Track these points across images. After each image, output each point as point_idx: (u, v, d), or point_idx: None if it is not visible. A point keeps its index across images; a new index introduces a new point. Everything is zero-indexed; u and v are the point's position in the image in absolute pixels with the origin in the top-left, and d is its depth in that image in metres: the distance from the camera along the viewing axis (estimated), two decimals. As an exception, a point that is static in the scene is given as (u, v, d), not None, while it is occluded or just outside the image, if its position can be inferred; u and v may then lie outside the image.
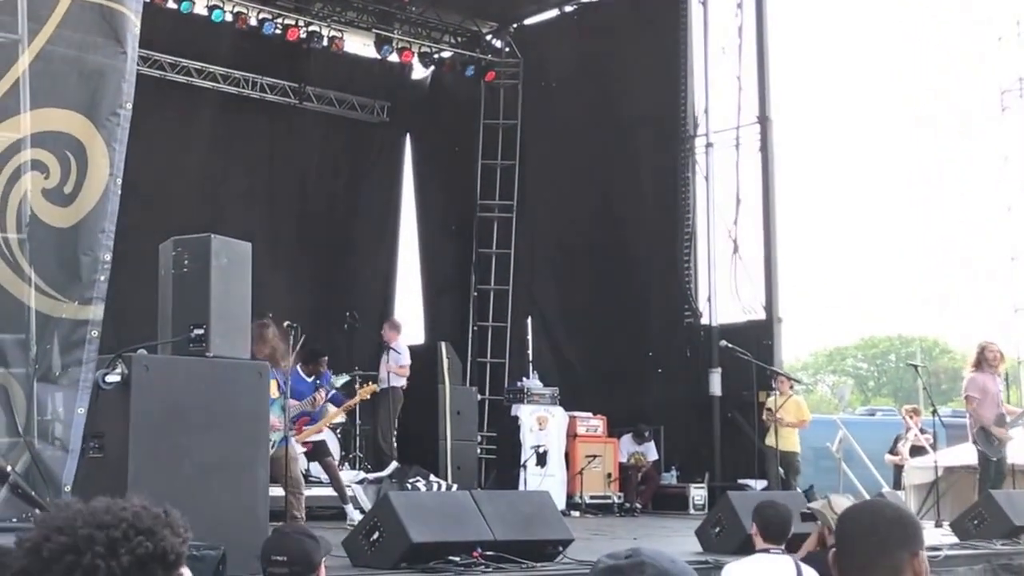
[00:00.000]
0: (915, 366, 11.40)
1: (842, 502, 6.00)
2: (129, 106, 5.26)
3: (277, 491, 8.18)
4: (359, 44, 16.08)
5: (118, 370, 5.74)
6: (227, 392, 6.37)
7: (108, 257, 5.17)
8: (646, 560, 1.85)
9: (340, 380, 10.13)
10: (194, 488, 5.91)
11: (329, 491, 11.22)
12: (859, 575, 2.41)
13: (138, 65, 13.52)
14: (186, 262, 6.51)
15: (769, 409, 11.95)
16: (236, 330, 6.65)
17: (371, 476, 12.06)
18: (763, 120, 13.98)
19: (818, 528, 6.05)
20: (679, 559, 1.88)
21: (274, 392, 7.87)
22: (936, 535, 9.26)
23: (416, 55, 15.75)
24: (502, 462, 13.68)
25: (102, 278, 5.18)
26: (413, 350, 14.44)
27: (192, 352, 6.36)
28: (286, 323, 8.97)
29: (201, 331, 6.38)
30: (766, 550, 5.51)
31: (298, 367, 9.77)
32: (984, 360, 10.61)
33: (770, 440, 12.03)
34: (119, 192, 5.23)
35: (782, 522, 5.61)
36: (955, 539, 9.13)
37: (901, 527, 2.46)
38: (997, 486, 10.27)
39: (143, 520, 1.45)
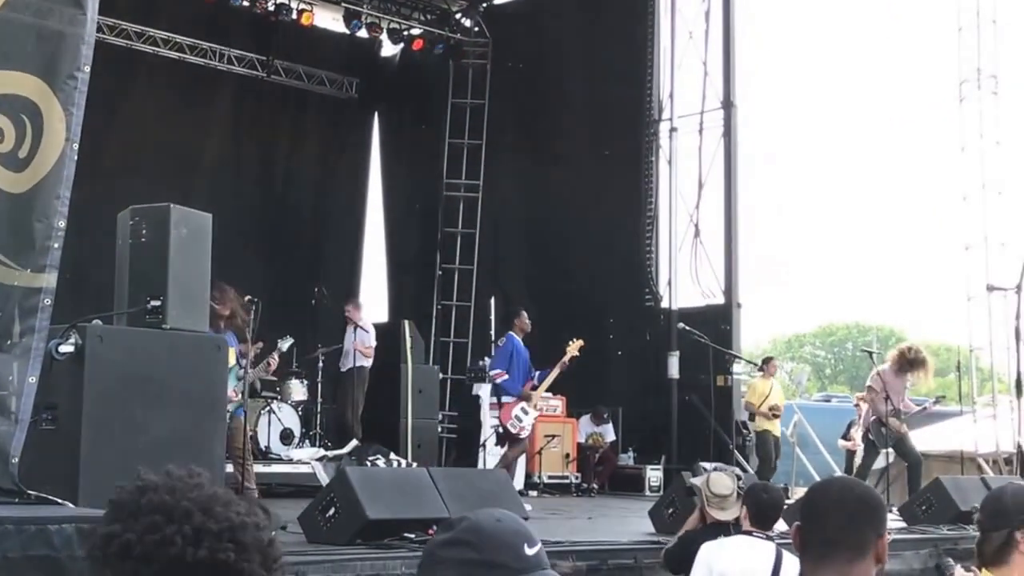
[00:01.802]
0: (870, 353, 11.54)
1: (723, 480, 6.05)
2: (87, 69, 5.19)
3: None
4: (328, 19, 15.99)
5: (72, 340, 5.68)
6: (184, 365, 6.33)
7: (62, 224, 5.12)
8: (469, 515, 1.81)
9: (286, 343, 10.15)
10: (148, 462, 5.85)
11: (289, 467, 11.23)
12: (823, 550, 2.37)
13: (104, 34, 13.52)
14: (144, 232, 6.45)
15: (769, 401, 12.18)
16: (194, 302, 6.60)
17: (331, 454, 12.06)
18: (727, 106, 14.05)
19: (698, 504, 6.09)
20: (511, 519, 1.79)
21: (231, 360, 7.85)
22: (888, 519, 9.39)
23: (385, 31, 15.69)
24: (463, 441, 13.71)
25: (56, 245, 5.12)
26: (376, 328, 14.43)
27: (148, 324, 6.31)
28: (247, 297, 8.93)
29: (158, 303, 6.33)
30: (749, 533, 5.45)
31: (512, 333, 10.67)
32: (905, 363, 10.93)
33: (768, 426, 12.20)
34: (75, 158, 5.17)
35: (773, 508, 5.49)
36: (903, 524, 9.28)
37: (870, 506, 2.43)
38: (864, 478, 10.58)
39: (246, 532, 1.39)
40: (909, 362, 10.93)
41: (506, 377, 10.59)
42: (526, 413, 10.49)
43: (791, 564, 5.13)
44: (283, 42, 15.76)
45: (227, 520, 1.39)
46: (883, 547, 2.37)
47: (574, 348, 10.82)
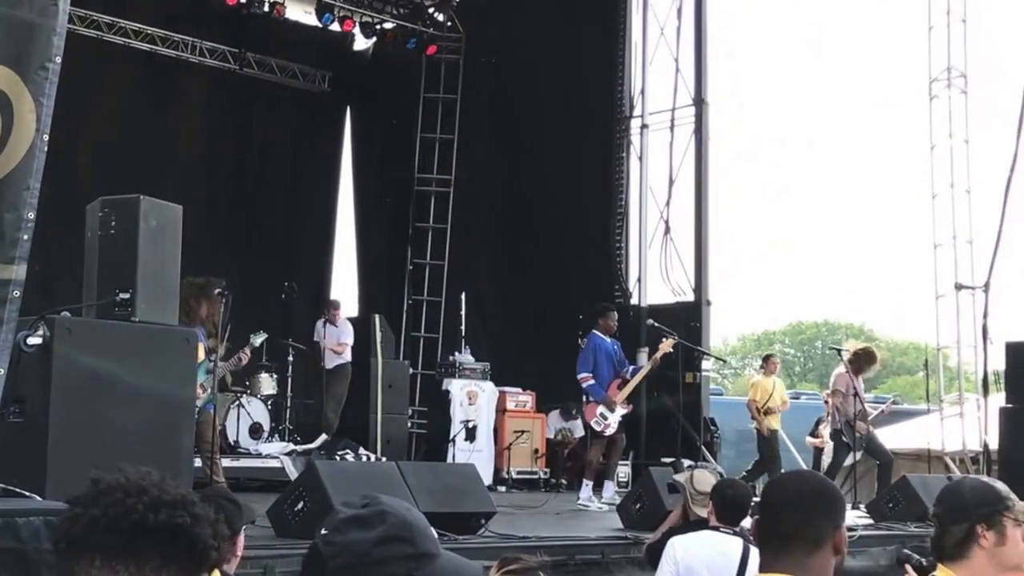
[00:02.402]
0: (839, 351, 11.63)
1: (706, 477, 6.11)
2: (59, 60, 5.15)
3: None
4: (301, 12, 15.94)
5: (40, 332, 5.64)
6: (153, 358, 6.29)
7: (32, 215, 5.08)
8: (387, 509, 1.86)
9: (258, 339, 10.11)
10: (117, 455, 5.84)
11: (258, 462, 11.20)
12: (780, 544, 2.40)
13: (75, 25, 13.41)
14: (113, 223, 6.40)
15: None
16: (164, 295, 6.56)
17: (300, 448, 12.04)
18: (699, 103, 14.10)
19: (681, 501, 6.14)
20: (413, 508, 1.90)
21: (201, 355, 7.82)
22: (852, 516, 9.48)
23: (358, 25, 15.65)
24: (432, 436, 13.73)
25: (25, 237, 5.08)
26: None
27: (117, 316, 6.27)
28: (217, 290, 8.89)
29: (127, 295, 6.29)
30: (717, 528, 5.51)
31: (596, 332, 10.65)
32: (864, 362, 11.09)
33: (774, 423, 12.21)
34: (46, 149, 5.13)
35: (739, 503, 5.56)
36: (871, 520, 9.38)
37: (825, 499, 2.44)
38: (833, 475, 10.72)
39: (196, 508, 1.54)
40: (862, 360, 11.16)
41: (592, 382, 10.50)
42: (611, 410, 10.44)
43: (757, 558, 5.18)
44: (255, 35, 15.68)
45: (179, 493, 1.55)
46: (840, 538, 2.39)
47: (667, 345, 10.82)
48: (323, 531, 1.86)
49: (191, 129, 15.61)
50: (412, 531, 1.85)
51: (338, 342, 12.90)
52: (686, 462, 10.63)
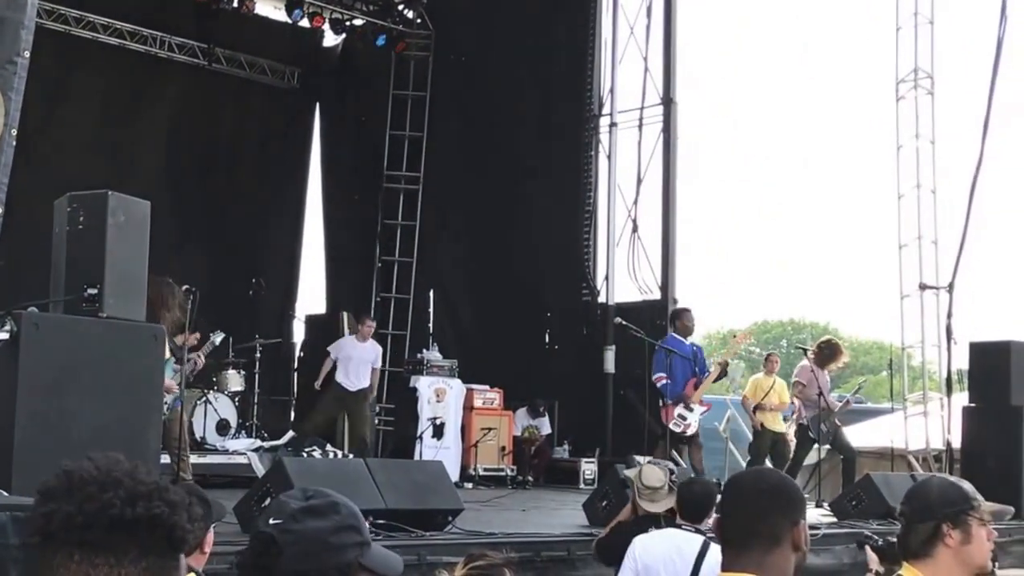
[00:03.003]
0: (804, 350, 11.72)
1: (654, 473, 6.17)
2: (27, 54, 5.14)
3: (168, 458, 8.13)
4: (270, 7, 15.89)
5: (7, 327, 5.62)
6: (120, 354, 6.27)
7: (0, 211, 5.07)
8: (337, 500, 2.00)
9: (218, 337, 10.09)
10: (83, 451, 5.80)
11: (225, 458, 11.16)
12: (740, 540, 2.40)
13: (43, 20, 13.28)
14: (81, 219, 6.37)
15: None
16: (131, 291, 6.54)
17: (267, 444, 12.02)
18: (667, 102, 14.18)
19: (631, 496, 6.20)
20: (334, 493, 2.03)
21: (168, 353, 7.80)
22: (816, 514, 9.59)
23: (327, 21, 15.62)
24: (400, 434, 13.73)
25: (-8, 231, 5.08)
26: (315, 319, 14.42)
27: (85, 312, 6.24)
28: (185, 287, 8.87)
29: (95, 291, 6.26)
30: (679, 526, 5.56)
31: (673, 334, 10.55)
32: (828, 355, 11.16)
33: (769, 422, 11.83)
34: (14, 144, 5.13)
35: (703, 501, 5.60)
36: (834, 518, 9.47)
37: (783, 495, 2.44)
38: (796, 471, 10.83)
39: (171, 495, 1.54)
40: (826, 353, 11.26)
41: (666, 381, 10.44)
42: (690, 411, 10.37)
43: (716, 555, 5.24)
44: (224, 30, 15.62)
45: (153, 483, 1.54)
46: (799, 535, 2.38)
47: (737, 345, 10.88)
48: (275, 520, 1.95)
49: (159, 125, 15.52)
50: (359, 520, 2.01)
51: (374, 365, 12.69)
52: (642, 458, 10.66)
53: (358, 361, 12.48)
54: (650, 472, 6.20)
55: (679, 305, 11.19)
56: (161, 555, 1.52)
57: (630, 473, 6.34)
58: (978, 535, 2.95)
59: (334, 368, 12.57)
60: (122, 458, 1.57)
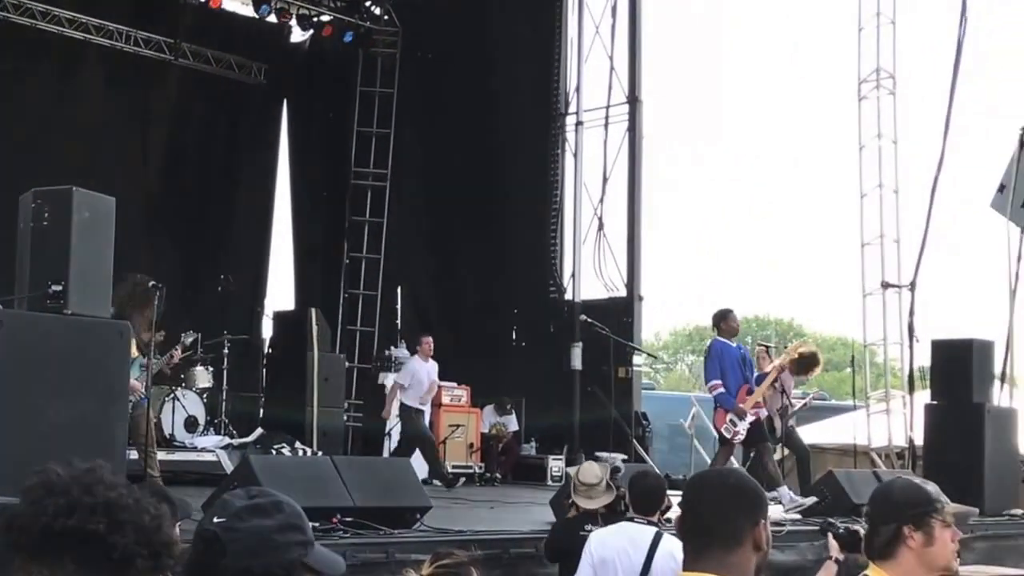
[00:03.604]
0: (767, 347, 11.82)
1: (592, 469, 6.25)
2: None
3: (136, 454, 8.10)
4: (237, 3, 15.82)
5: (-29, 325, 5.59)
6: (85, 351, 6.26)
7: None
8: (280, 499, 2.01)
9: (189, 338, 10.05)
10: (47, 449, 5.80)
11: (193, 455, 11.12)
12: (701, 542, 2.39)
13: (8, 13, 13.15)
14: (46, 215, 6.34)
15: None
16: (97, 287, 6.52)
17: (236, 441, 11.97)
18: (632, 101, 14.25)
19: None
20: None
21: (134, 351, 7.77)
22: (779, 511, 9.66)
23: (295, 17, 15.58)
24: (368, 430, 13.73)
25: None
26: (283, 316, 14.34)
27: (49, 309, 6.23)
28: (151, 283, 8.82)
29: (59, 287, 6.24)
30: (632, 519, 5.64)
31: (719, 337, 10.30)
32: (805, 365, 11.10)
33: None
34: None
35: (653, 494, 5.71)
36: (797, 516, 9.54)
37: (743, 495, 2.43)
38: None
39: (124, 511, 1.48)
40: (805, 364, 11.17)
41: (721, 390, 10.10)
42: (741, 418, 10.21)
43: (668, 545, 5.35)
44: (191, 25, 15.54)
45: (105, 498, 1.47)
46: (760, 535, 2.38)
47: (793, 351, 10.58)
48: (218, 519, 1.96)
49: (125, 120, 15.42)
50: (302, 520, 2.01)
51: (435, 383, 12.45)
52: (608, 455, 10.71)
53: (426, 382, 12.33)
54: (588, 469, 6.29)
55: (721, 307, 10.79)
56: (98, 573, 1.45)
57: (571, 470, 6.42)
58: (941, 537, 2.96)
59: None
60: (100, 469, 1.52)
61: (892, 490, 3.11)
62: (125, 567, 1.46)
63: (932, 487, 3.10)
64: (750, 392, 10.17)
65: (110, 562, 1.45)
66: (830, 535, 4.32)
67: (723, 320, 10.54)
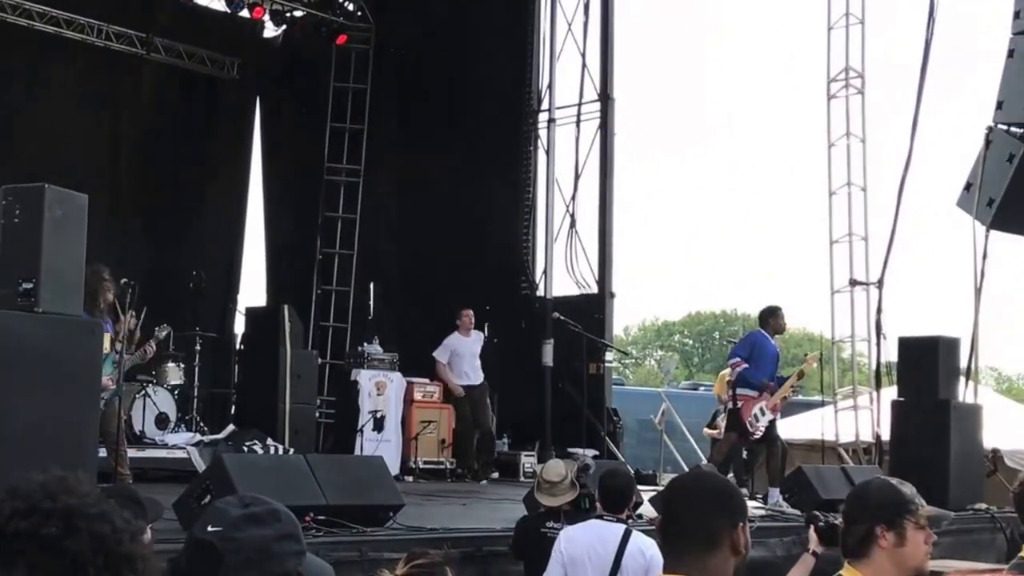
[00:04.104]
0: (734, 343, 11.92)
1: (555, 467, 6.32)
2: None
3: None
4: (209, -3, 15.77)
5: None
6: (56, 349, 6.25)
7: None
8: (277, 508, 2.00)
9: (162, 332, 10.02)
10: (18, 449, 5.80)
11: (164, 452, 11.09)
12: (680, 543, 2.42)
13: (-26, 7, 12.95)
14: (17, 212, 6.33)
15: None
16: (68, 285, 6.51)
17: (207, 438, 11.95)
18: (604, 98, 14.32)
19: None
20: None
21: (106, 347, 7.76)
22: (750, 507, 9.73)
23: (268, 12, 15.53)
24: (340, 427, 13.72)
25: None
26: (255, 312, 14.31)
27: (20, 307, 6.22)
28: (123, 280, 8.80)
29: (30, 285, 6.23)
30: (601, 516, 5.71)
31: (762, 330, 10.16)
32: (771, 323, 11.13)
33: None
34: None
35: (621, 492, 5.77)
36: (767, 511, 9.65)
37: (722, 498, 2.47)
38: (751, 466, 10.95)
39: (84, 519, 1.46)
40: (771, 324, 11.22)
41: (746, 366, 10.09)
42: (763, 414, 10.08)
43: (637, 542, 5.44)
44: (163, 20, 15.47)
45: (65, 504, 1.45)
46: (739, 538, 2.41)
47: (812, 360, 10.61)
48: (213, 528, 1.93)
49: (97, 115, 15.33)
50: (298, 528, 2.01)
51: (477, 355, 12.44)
52: (582, 451, 10.77)
53: (470, 356, 12.34)
54: (552, 467, 6.36)
55: (771, 304, 10.70)
56: None
57: (537, 467, 6.49)
58: (914, 538, 2.99)
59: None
60: (73, 478, 1.52)
61: (868, 490, 3.16)
62: (78, 573, 1.44)
63: (908, 488, 3.14)
64: (772, 392, 10.19)
65: (62, 568, 1.43)
66: (811, 527, 4.37)
67: (772, 316, 10.51)
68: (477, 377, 12.29)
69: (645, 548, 5.41)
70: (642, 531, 5.69)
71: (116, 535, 1.48)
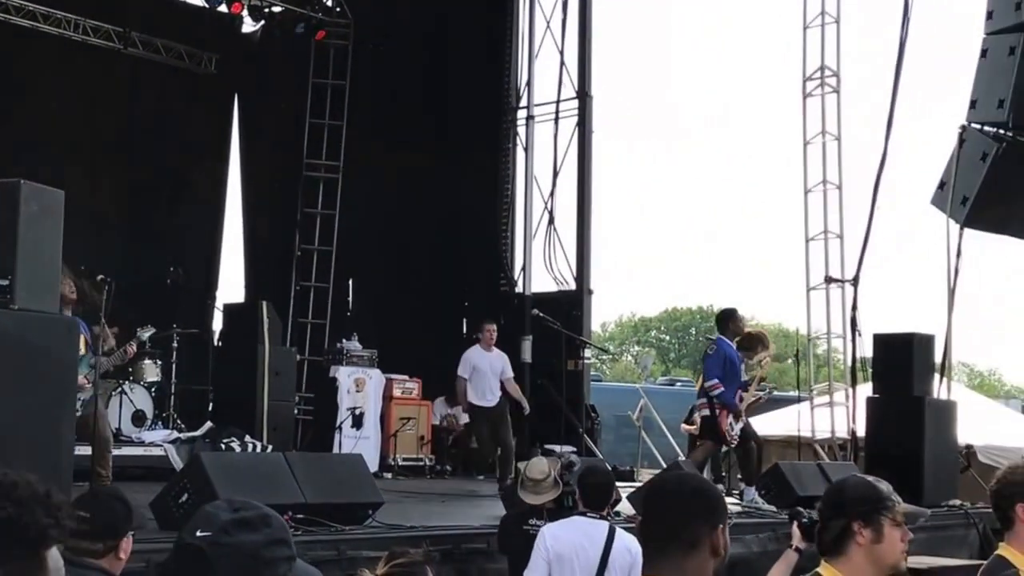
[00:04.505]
0: (712, 339, 11.95)
1: (539, 465, 6.36)
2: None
3: (84, 450, 8.04)
4: (188, -8, 15.70)
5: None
6: (33, 347, 6.22)
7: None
8: (267, 513, 2.00)
9: (146, 333, 9.97)
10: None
11: (141, 450, 11.05)
12: (660, 543, 2.42)
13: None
14: (-8, 208, 6.30)
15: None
16: (44, 282, 6.47)
17: (184, 436, 11.91)
18: (582, 96, 14.35)
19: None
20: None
21: (83, 348, 7.72)
22: (726, 503, 9.80)
23: (246, 7, 15.47)
24: (319, 423, 13.71)
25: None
26: (233, 308, 14.26)
27: (-5, 304, 6.19)
28: (99, 276, 8.76)
29: (6, 282, 6.20)
30: (584, 513, 5.74)
31: (724, 337, 10.06)
32: (749, 344, 11.13)
33: None
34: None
35: (601, 489, 5.81)
36: (743, 507, 9.71)
37: (703, 500, 2.47)
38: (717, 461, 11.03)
39: (17, 489, 1.51)
40: (746, 343, 11.23)
41: (722, 389, 9.98)
42: (737, 420, 10.06)
43: (624, 540, 5.48)
44: (140, 14, 15.39)
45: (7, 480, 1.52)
46: (718, 540, 2.42)
47: (767, 365, 10.55)
48: (202, 533, 1.92)
49: (74, 110, 15.21)
50: (287, 533, 2.01)
51: (503, 377, 11.30)
52: (561, 448, 10.79)
53: (489, 374, 11.25)
54: (535, 465, 6.39)
55: (727, 307, 10.57)
56: (20, 554, 1.49)
57: (521, 465, 6.52)
58: (890, 535, 3.00)
59: None
60: (12, 472, 1.57)
61: (845, 486, 3.16)
62: (41, 540, 1.51)
63: (885, 486, 3.15)
64: (742, 400, 10.19)
65: (25, 540, 1.49)
66: (795, 523, 4.41)
67: (732, 320, 10.37)
68: (492, 399, 11.24)
69: (631, 545, 5.46)
70: (623, 527, 5.74)
71: (44, 489, 1.56)
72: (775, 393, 12.69)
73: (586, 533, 5.58)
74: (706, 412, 10.20)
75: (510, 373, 11.42)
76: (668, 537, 2.42)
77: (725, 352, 10.16)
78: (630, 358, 57.70)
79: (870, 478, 3.23)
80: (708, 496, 2.51)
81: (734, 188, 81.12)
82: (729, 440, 10.16)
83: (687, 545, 2.40)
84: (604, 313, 61.61)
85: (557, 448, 11.12)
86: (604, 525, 5.62)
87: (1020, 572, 3.59)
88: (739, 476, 10.88)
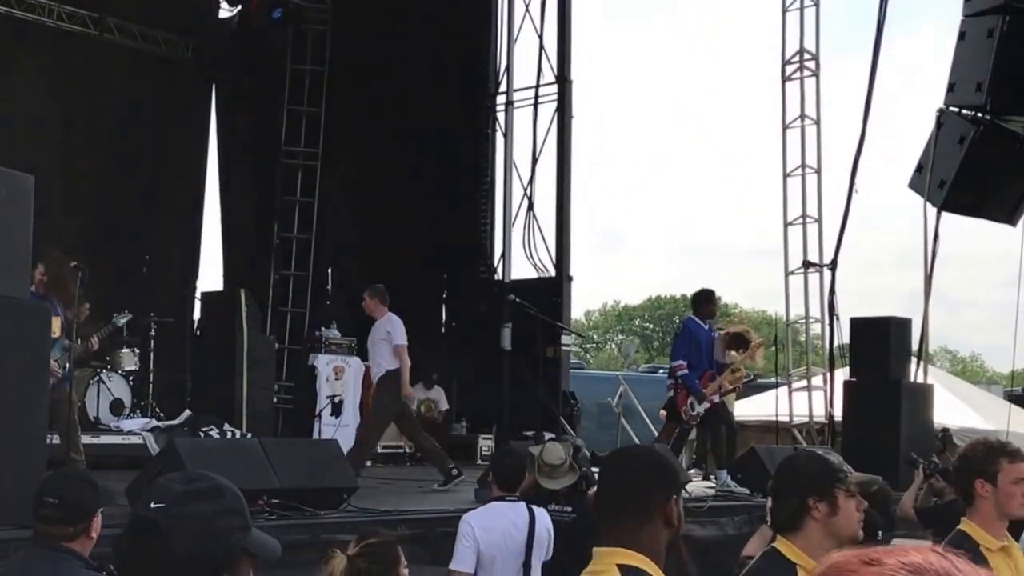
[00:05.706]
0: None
1: (556, 450, 6.36)
2: None
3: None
4: (163, -23, 15.58)
5: None
6: (3, 333, 6.20)
7: None
8: (221, 483, 2.00)
9: (122, 319, 9.92)
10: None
11: (119, 438, 11.03)
12: (612, 515, 2.44)
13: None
14: (-37, 194, 6.27)
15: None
16: (14, 267, 6.45)
17: (163, 424, 11.88)
18: (561, 81, 14.32)
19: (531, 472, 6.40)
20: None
21: (56, 331, 7.69)
22: (702, 487, 9.85)
23: (223, -6, 15.40)
24: (299, 412, 13.68)
25: None
26: (212, 296, 14.21)
27: (-35, 290, 6.16)
28: (73, 263, 8.72)
29: (-25, 267, 6.18)
30: (501, 498, 5.73)
31: (694, 317, 10.02)
32: (732, 343, 11.04)
33: (729, 405, 11.39)
34: None
35: (516, 471, 5.82)
36: (718, 492, 9.74)
37: (656, 471, 2.48)
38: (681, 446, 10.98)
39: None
40: (730, 341, 11.21)
41: (686, 371, 9.94)
42: (700, 402, 10.02)
43: (543, 521, 5.61)
44: (116, 0, 15.27)
45: None
46: (671, 510, 2.42)
47: (741, 365, 10.34)
48: (156, 504, 1.92)
49: (49, 97, 15.10)
50: (242, 504, 2.01)
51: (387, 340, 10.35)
52: (548, 435, 10.80)
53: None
54: (552, 450, 6.38)
55: (704, 288, 10.44)
56: None
57: (535, 450, 6.51)
58: (845, 506, 3.01)
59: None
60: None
61: (794, 463, 3.17)
62: None
63: (835, 457, 3.17)
64: (712, 379, 10.16)
65: None
66: (769, 499, 4.43)
67: (706, 302, 10.36)
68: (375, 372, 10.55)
69: (548, 523, 5.65)
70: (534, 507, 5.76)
71: None
72: (758, 381, 12.71)
73: (511, 520, 5.62)
74: (671, 393, 10.25)
75: (399, 340, 10.63)
76: (621, 507, 2.44)
77: (691, 332, 10.19)
78: (614, 347, 57.80)
79: (820, 450, 3.27)
80: (662, 466, 2.53)
81: (715, 172, 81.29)
82: (687, 419, 10.17)
83: (640, 515, 2.42)
84: (588, 302, 61.72)
85: (529, 434, 11.15)
86: (522, 506, 5.67)
87: (981, 547, 3.61)
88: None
